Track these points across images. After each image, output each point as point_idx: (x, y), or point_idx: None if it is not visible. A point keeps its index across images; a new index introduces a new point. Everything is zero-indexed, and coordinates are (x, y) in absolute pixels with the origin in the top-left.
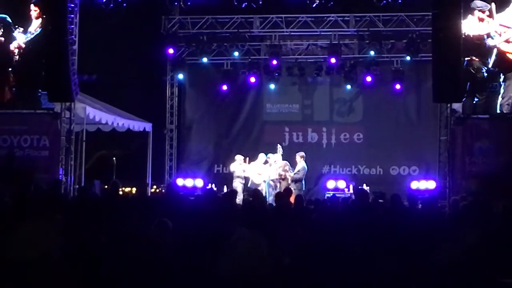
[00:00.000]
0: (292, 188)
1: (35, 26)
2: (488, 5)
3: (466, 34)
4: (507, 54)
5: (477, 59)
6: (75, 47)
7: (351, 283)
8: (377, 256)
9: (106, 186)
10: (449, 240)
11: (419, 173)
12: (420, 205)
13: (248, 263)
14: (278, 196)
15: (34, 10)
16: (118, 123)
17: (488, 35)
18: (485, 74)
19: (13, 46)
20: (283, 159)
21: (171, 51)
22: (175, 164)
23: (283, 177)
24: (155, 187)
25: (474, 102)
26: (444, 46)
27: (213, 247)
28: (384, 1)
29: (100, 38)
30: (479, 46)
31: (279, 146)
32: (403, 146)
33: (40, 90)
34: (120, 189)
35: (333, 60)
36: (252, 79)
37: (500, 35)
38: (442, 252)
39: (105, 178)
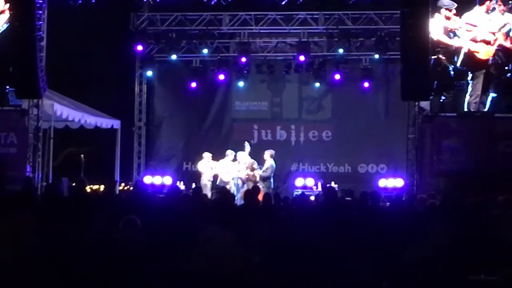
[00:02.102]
0: (260, 186)
1: (2, 21)
2: (455, 3)
3: (433, 39)
4: (475, 54)
5: (444, 58)
6: (43, 43)
7: (320, 281)
8: (346, 253)
9: (73, 184)
10: (418, 237)
11: (387, 171)
12: (388, 203)
13: (218, 261)
14: (246, 194)
15: (1, 5)
16: (86, 120)
17: (454, 33)
18: (452, 73)
19: None
20: (251, 157)
21: (140, 48)
22: (144, 161)
23: (250, 177)
24: (123, 184)
25: (441, 100)
26: (413, 44)
27: (182, 245)
28: (353, 0)
29: (69, 34)
30: (445, 46)
31: (246, 143)
32: (372, 144)
33: (7, 87)
34: (88, 187)
35: (302, 58)
36: (221, 77)
37: (466, 32)
38: (411, 249)
39: (73, 176)
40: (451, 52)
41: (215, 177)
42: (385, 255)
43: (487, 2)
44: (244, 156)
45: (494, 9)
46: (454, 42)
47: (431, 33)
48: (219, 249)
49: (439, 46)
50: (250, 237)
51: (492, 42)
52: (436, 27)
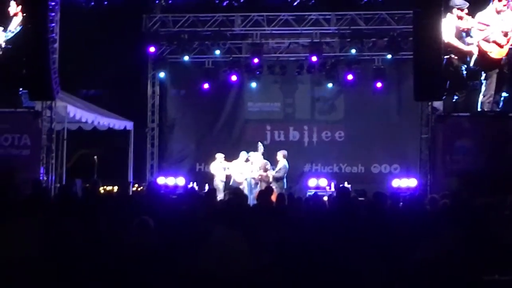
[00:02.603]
0: (273, 187)
1: (15, 24)
2: (467, 3)
3: (445, 42)
4: (488, 53)
5: (456, 58)
6: (56, 45)
7: (332, 282)
8: (357, 254)
9: (87, 185)
10: (430, 237)
11: (400, 171)
12: (402, 203)
13: (227, 262)
14: (259, 194)
15: (14, 7)
16: (99, 122)
17: (467, 33)
18: (465, 72)
19: None
20: (264, 158)
21: (152, 49)
22: (157, 162)
23: (263, 178)
24: (136, 185)
25: (454, 100)
26: (425, 44)
27: (194, 246)
28: (366, 0)
29: (81, 36)
30: (457, 47)
31: (260, 144)
32: (385, 144)
33: (20, 89)
34: (102, 188)
35: (314, 59)
36: (234, 78)
37: (479, 31)
38: (421, 250)
39: (86, 177)
40: (464, 52)
41: (228, 178)
42: (396, 256)
43: (502, 1)
44: (257, 157)
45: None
46: (464, 47)
47: (443, 35)
48: (228, 250)
49: (451, 46)
50: (262, 239)
51: (505, 42)
52: (448, 28)
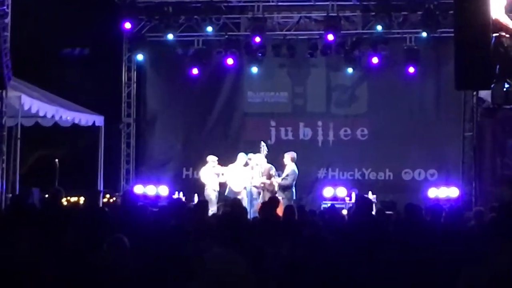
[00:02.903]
0: (279, 197)
1: None
2: None
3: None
4: None
5: (507, 36)
6: (7, 20)
7: None
8: (384, 282)
9: (46, 195)
10: (476, 262)
11: (438, 177)
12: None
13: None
14: (262, 207)
15: None
16: (61, 116)
17: None
18: None
19: None
20: (268, 161)
21: (128, 25)
22: (134, 167)
23: (266, 186)
24: (108, 196)
25: (505, 89)
26: (469, 18)
27: (181, 271)
28: None
29: (39, 11)
30: (507, 26)
31: (263, 144)
32: (418, 144)
33: None
34: (65, 199)
35: (330, 37)
36: (230, 61)
37: None
38: (468, 277)
39: (45, 185)
40: None
41: (223, 186)
42: (434, 284)
43: None
44: (259, 160)
45: None
46: None
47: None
48: (225, 276)
49: (499, 25)
50: (266, 261)
51: None
52: (497, 0)
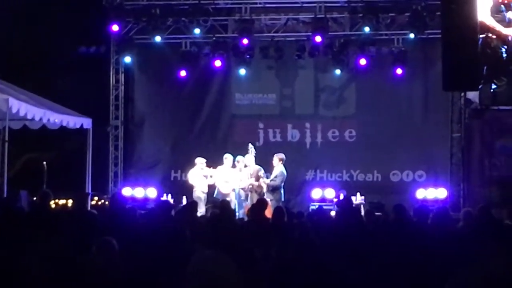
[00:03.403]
0: (268, 199)
1: None
2: None
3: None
4: None
5: (494, 37)
6: None
7: None
8: (374, 284)
9: (34, 198)
10: (465, 263)
11: (426, 179)
12: (430, 219)
13: None
14: (251, 208)
15: None
16: (49, 119)
17: (508, 6)
18: (505, 55)
19: None
20: (256, 163)
21: (115, 28)
22: (122, 169)
23: (255, 188)
24: (96, 198)
25: (493, 89)
26: (457, 20)
27: (170, 274)
28: None
29: (26, 11)
30: (493, 28)
31: (250, 146)
32: (406, 145)
33: None
34: (53, 201)
35: (318, 39)
36: (218, 63)
37: None
38: (456, 279)
39: (33, 188)
40: (502, 34)
41: (211, 188)
42: (423, 286)
43: None
44: (248, 161)
45: None
46: (502, 29)
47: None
48: (215, 279)
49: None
50: (255, 263)
51: None
52: (483, 3)
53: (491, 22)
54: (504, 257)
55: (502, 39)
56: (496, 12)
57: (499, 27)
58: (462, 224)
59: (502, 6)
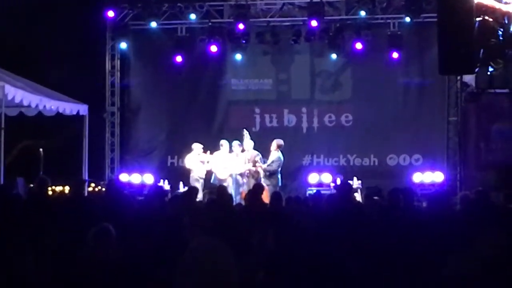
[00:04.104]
0: (265, 184)
1: None
2: None
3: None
4: None
5: (491, 20)
6: None
7: None
8: (371, 268)
9: (31, 185)
10: (462, 246)
11: (423, 162)
12: (426, 202)
13: (210, 279)
14: (248, 194)
15: None
16: (45, 106)
17: None
18: (502, 38)
19: None
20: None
21: (111, 14)
22: (118, 156)
23: (252, 173)
24: (93, 185)
25: (489, 73)
26: (453, 3)
27: (167, 260)
28: None
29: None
30: (492, 8)
31: (245, 132)
32: (403, 129)
33: None
34: (50, 188)
35: (314, 23)
36: (214, 48)
37: None
38: (454, 262)
39: (30, 175)
40: (501, 13)
41: (209, 174)
42: (420, 272)
43: None
44: (246, 146)
45: None
46: (502, 6)
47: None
48: (211, 265)
49: (484, 6)
50: (253, 249)
51: None
52: None
53: (488, 1)
54: (502, 239)
55: (502, 16)
56: None
57: (498, 5)
58: (459, 207)
59: None
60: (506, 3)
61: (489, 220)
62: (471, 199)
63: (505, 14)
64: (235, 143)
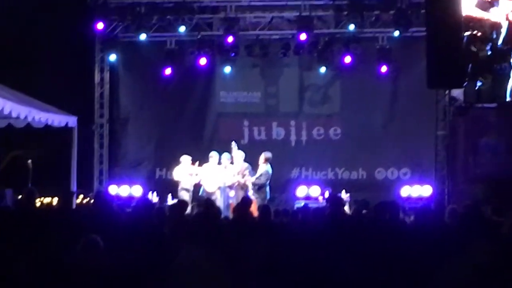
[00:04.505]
0: (253, 197)
1: None
2: None
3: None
4: None
5: (479, 34)
6: None
7: None
8: (362, 280)
9: (19, 196)
10: (450, 259)
11: (411, 176)
12: (413, 216)
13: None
14: (236, 206)
15: None
16: (34, 117)
17: (491, 3)
18: (490, 53)
19: None
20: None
21: (100, 26)
22: (107, 167)
23: (241, 185)
24: (81, 196)
25: (477, 87)
26: (441, 17)
27: (156, 272)
28: None
29: (9, 10)
30: (481, 20)
31: (233, 144)
32: (392, 143)
33: None
34: (38, 200)
35: (303, 37)
36: (203, 61)
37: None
38: (444, 271)
39: (18, 186)
40: (489, 27)
41: (197, 186)
42: (411, 281)
43: None
44: (236, 158)
45: None
46: (491, 16)
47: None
48: (201, 276)
49: (472, 21)
50: (241, 261)
51: None
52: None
53: (477, 13)
54: (490, 251)
55: (490, 31)
56: (482, 10)
57: (487, 16)
58: (448, 220)
59: (487, 3)
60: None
61: (478, 233)
62: (461, 213)
63: (493, 28)
64: (225, 155)
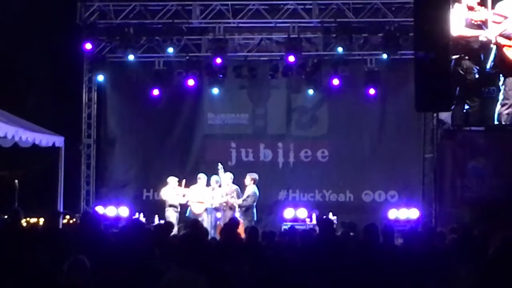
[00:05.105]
0: (240, 219)
1: None
2: None
3: (453, 36)
4: (507, 52)
5: (467, 58)
6: None
7: None
8: None
9: (5, 216)
10: (439, 281)
11: (398, 199)
12: (401, 239)
13: None
14: (223, 228)
15: None
16: (21, 137)
17: (480, 26)
18: (478, 76)
19: None
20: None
21: (88, 46)
22: (94, 188)
23: (229, 205)
24: (68, 217)
25: (465, 110)
26: (429, 41)
27: None
28: None
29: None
30: (468, 43)
31: (220, 166)
32: (379, 165)
33: None
34: (24, 220)
35: (291, 59)
36: (191, 82)
37: (494, 24)
38: None
39: (4, 206)
40: (477, 50)
41: (184, 207)
42: None
43: None
44: (224, 180)
45: None
46: (481, 33)
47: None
48: None
49: (460, 43)
50: (229, 281)
51: None
52: (457, 20)
53: (467, 32)
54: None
55: (478, 54)
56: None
57: (479, 33)
58: (437, 244)
59: (475, 26)
60: (494, 22)
61: (466, 256)
62: (449, 236)
63: (481, 50)
64: (214, 178)
